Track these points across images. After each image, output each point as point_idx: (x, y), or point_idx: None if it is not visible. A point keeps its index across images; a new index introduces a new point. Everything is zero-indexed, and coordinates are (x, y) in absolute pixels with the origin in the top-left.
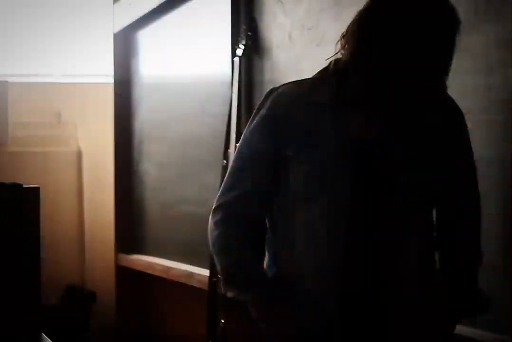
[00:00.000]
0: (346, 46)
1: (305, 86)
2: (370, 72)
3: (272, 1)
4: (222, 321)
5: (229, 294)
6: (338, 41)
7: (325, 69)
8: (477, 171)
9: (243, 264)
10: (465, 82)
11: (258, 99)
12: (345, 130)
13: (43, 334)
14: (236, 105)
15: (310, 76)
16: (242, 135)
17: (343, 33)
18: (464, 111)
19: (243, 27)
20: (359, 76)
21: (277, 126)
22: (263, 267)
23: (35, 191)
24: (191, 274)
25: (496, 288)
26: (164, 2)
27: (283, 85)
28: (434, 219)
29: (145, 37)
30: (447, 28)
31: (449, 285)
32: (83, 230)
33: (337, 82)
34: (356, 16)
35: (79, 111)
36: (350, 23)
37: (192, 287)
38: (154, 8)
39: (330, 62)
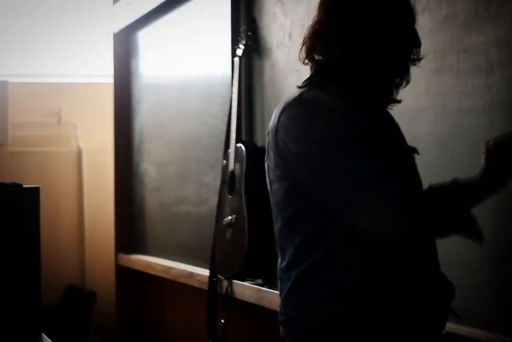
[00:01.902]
0: (326, 49)
1: (327, 96)
2: (368, 68)
3: (272, 1)
4: (222, 321)
5: None
6: (303, 45)
7: (319, 75)
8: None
9: None
10: (465, 82)
11: (258, 99)
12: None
13: (43, 334)
14: (236, 105)
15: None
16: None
17: (309, 36)
18: (464, 111)
19: (243, 27)
20: (364, 75)
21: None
22: None
23: (35, 191)
24: (191, 274)
25: (497, 287)
26: (164, 2)
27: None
28: None
29: (145, 37)
30: None
31: None
32: (83, 230)
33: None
34: (319, 17)
35: (79, 111)
36: (314, 26)
37: (192, 287)
38: (154, 8)
39: (316, 70)
